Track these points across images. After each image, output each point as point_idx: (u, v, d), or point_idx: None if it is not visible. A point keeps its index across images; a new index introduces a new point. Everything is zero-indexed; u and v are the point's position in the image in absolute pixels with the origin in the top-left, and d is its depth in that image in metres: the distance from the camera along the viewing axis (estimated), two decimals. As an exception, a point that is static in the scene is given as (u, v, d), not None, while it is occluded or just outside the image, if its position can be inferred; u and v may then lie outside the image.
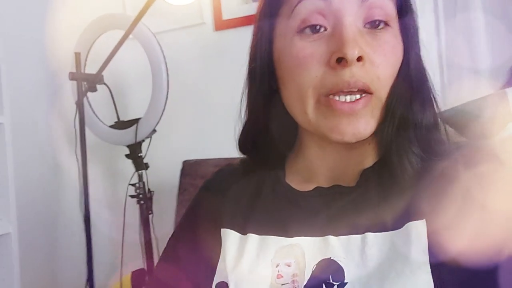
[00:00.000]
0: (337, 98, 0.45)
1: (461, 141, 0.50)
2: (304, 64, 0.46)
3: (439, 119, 0.50)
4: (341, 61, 0.44)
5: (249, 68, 0.54)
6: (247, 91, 0.55)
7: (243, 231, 0.51)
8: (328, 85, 0.45)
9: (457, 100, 1.33)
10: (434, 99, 0.50)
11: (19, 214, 1.27)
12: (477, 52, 1.35)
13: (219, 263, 0.50)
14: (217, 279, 0.49)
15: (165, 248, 0.60)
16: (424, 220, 0.43)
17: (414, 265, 0.41)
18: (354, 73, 0.44)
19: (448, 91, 1.40)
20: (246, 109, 0.56)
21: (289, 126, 0.54)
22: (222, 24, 1.60)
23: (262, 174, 0.55)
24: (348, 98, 0.45)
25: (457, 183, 0.44)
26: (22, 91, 1.49)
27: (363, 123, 0.46)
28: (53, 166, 1.64)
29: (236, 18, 1.56)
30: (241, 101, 0.56)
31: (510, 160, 0.89)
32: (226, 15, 1.59)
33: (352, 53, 0.43)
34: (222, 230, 0.52)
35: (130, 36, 1.34)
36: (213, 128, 1.55)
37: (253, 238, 0.49)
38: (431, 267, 0.41)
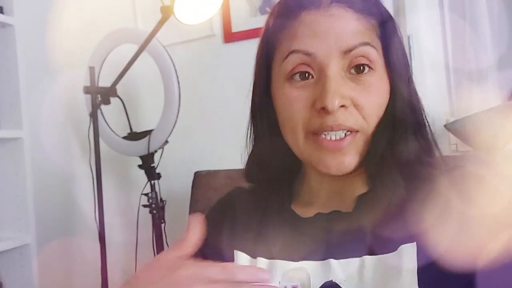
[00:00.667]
0: (323, 136, 0.49)
1: (452, 164, 0.53)
2: (292, 105, 0.50)
3: (432, 144, 0.52)
4: (324, 109, 0.48)
5: (252, 101, 0.57)
6: (251, 122, 0.58)
7: (252, 254, 0.54)
8: (313, 126, 0.49)
9: (464, 109, 1.34)
10: (429, 128, 0.53)
11: (37, 224, 1.31)
12: (483, 58, 1.36)
13: None
14: None
15: None
16: (414, 243, 0.46)
17: (404, 285, 0.44)
18: (337, 118, 0.48)
19: (455, 98, 1.41)
20: (251, 139, 0.59)
21: (293, 155, 0.56)
22: (231, 36, 1.63)
23: (269, 199, 0.58)
24: (333, 136, 0.49)
25: (443, 204, 0.47)
26: (38, 104, 1.53)
27: (347, 158, 0.49)
28: (68, 177, 1.68)
29: (246, 31, 1.59)
30: (246, 132, 0.58)
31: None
32: (235, 28, 1.62)
33: (332, 104, 0.47)
34: (235, 252, 0.55)
35: (143, 50, 1.37)
36: (223, 138, 1.58)
37: (262, 261, 0.52)
38: (419, 287, 0.44)
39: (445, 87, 1.43)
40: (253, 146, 0.59)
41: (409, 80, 0.53)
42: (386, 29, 0.52)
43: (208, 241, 0.59)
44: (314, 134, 0.50)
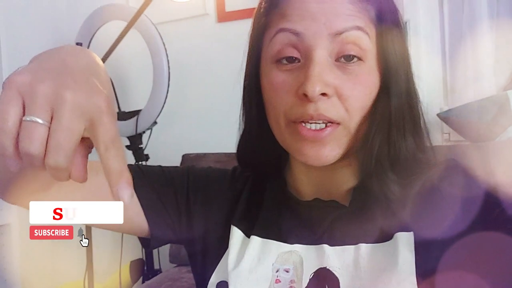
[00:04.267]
0: (303, 124, 0.47)
1: (444, 155, 0.52)
2: (277, 91, 0.48)
3: (426, 141, 0.51)
4: (306, 95, 0.45)
5: (243, 85, 0.55)
6: (242, 106, 0.56)
7: (247, 233, 0.53)
8: (295, 114, 0.47)
9: (458, 98, 1.32)
10: (424, 124, 0.51)
11: (20, 204, 1.28)
12: (480, 46, 1.33)
13: (223, 259, 0.52)
14: (218, 278, 0.51)
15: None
16: (411, 232, 0.46)
17: (401, 275, 0.43)
18: (319, 107, 0.45)
19: (450, 87, 1.40)
20: (242, 123, 0.57)
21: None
22: (225, 16, 1.59)
23: (264, 180, 0.57)
24: (313, 126, 0.47)
25: (436, 196, 0.47)
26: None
27: (327, 149, 0.47)
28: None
29: (239, 10, 1.55)
30: (240, 115, 0.56)
31: (509, 163, 0.89)
32: (229, 7, 1.58)
33: (313, 90, 0.44)
34: (232, 226, 0.54)
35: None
36: (214, 121, 1.55)
37: (256, 240, 0.51)
38: (417, 280, 0.43)
39: (440, 75, 1.41)
40: (243, 131, 0.57)
41: (408, 74, 0.50)
42: (383, 16, 0.48)
43: (213, 197, 0.57)
44: (294, 122, 0.48)
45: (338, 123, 0.47)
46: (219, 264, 0.52)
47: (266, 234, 0.51)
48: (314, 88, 0.44)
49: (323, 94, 0.45)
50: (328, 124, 0.46)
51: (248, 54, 0.54)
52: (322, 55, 0.46)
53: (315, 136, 0.46)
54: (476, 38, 1.32)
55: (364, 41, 0.46)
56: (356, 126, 0.47)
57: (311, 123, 0.46)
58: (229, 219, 0.55)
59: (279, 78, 0.48)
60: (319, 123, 0.46)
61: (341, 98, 0.46)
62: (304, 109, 0.46)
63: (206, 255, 0.55)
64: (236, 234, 0.53)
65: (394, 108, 0.48)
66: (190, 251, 0.58)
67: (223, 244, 0.53)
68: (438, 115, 1.21)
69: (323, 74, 0.45)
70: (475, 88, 1.28)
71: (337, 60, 0.46)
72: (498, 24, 1.31)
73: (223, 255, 0.52)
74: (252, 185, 0.58)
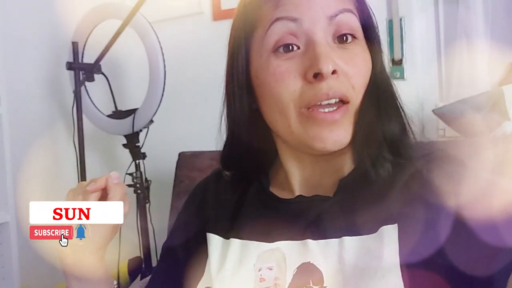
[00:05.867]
0: (319, 110, 0.48)
1: (426, 146, 0.53)
2: (281, 80, 0.48)
3: (407, 124, 0.52)
4: (317, 75, 0.46)
5: (226, 87, 0.55)
6: (226, 109, 0.56)
7: (226, 236, 0.53)
8: (307, 98, 0.48)
9: (453, 94, 1.33)
10: (400, 106, 0.52)
11: (17, 203, 1.28)
12: (475, 42, 1.34)
13: (206, 267, 0.52)
14: (204, 284, 0.51)
15: (161, 252, 0.63)
16: (396, 224, 0.45)
17: (385, 268, 0.43)
18: (331, 85, 0.47)
19: (445, 83, 1.40)
20: (226, 126, 0.56)
21: (268, 141, 0.55)
22: (220, 14, 1.59)
23: (247, 182, 0.57)
24: (326, 110, 0.48)
25: (423, 187, 0.47)
26: (20, 80, 1.49)
27: (343, 131, 0.48)
28: (51, 155, 1.65)
29: (235, 9, 1.55)
30: (220, 117, 0.56)
31: (504, 158, 0.90)
32: (224, 5, 1.58)
33: (327, 67, 0.46)
34: (207, 234, 0.54)
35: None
36: (210, 119, 1.55)
37: (235, 242, 0.51)
38: (401, 271, 0.43)
39: (436, 72, 1.41)
40: (229, 133, 0.56)
41: (382, 59, 0.52)
42: (361, 2, 0.52)
43: (187, 226, 0.59)
44: (308, 108, 0.48)
45: (348, 102, 0.48)
46: (204, 273, 0.52)
47: (244, 235, 0.51)
48: (328, 65, 0.46)
49: (333, 72, 0.46)
50: (339, 105, 0.48)
51: (233, 52, 0.53)
52: (322, 37, 0.48)
53: (332, 117, 0.47)
54: (471, 35, 1.32)
55: (355, 22, 0.49)
56: (360, 103, 0.49)
57: (324, 107, 0.47)
58: (203, 229, 0.55)
59: (282, 67, 0.48)
60: (331, 106, 0.47)
61: (347, 76, 0.48)
62: (317, 90, 0.47)
63: (190, 269, 0.55)
64: (214, 240, 0.53)
65: (380, 85, 0.50)
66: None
67: (204, 254, 0.53)
68: (433, 111, 1.21)
69: (329, 53, 0.47)
70: (471, 85, 1.28)
71: (334, 41, 0.48)
72: (493, 20, 1.32)
73: (205, 264, 0.52)
74: (227, 188, 0.58)
